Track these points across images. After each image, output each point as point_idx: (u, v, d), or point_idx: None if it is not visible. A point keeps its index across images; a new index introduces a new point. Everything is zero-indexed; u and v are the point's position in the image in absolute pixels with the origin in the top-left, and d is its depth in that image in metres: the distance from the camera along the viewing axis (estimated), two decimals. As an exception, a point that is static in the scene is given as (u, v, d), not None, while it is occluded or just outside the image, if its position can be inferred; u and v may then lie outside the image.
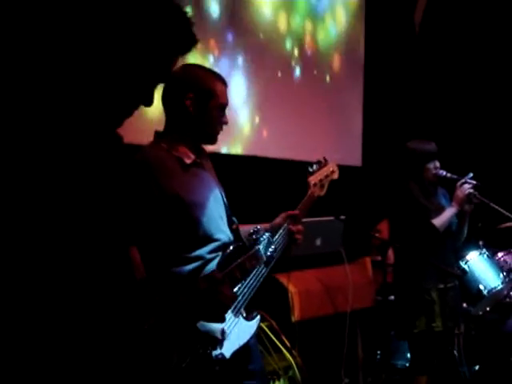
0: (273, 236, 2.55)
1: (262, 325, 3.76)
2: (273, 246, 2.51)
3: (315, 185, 2.77)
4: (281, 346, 3.80)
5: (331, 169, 2.88)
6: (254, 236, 2.46)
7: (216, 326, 2.33)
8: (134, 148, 2.37)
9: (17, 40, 2.22)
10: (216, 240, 2.44)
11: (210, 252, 2.41)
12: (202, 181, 2.49)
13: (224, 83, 2.55)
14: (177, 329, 2.19)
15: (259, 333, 3.77)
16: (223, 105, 2.53)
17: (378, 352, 4.58)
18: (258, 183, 4.67)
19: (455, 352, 4.53)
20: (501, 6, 6.49)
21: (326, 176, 2.84)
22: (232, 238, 2.52)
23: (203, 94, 2.47)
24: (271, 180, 4.75)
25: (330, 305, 4.37)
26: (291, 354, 3.82)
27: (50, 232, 1.46)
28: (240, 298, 2.46)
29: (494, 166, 6.39)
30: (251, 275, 2.50)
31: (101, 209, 1.56)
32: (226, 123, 2.56)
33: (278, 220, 2.69)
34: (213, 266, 2.39)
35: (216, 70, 2.69)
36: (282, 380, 3.72)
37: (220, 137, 2.58)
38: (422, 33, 6.76)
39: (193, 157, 2.48)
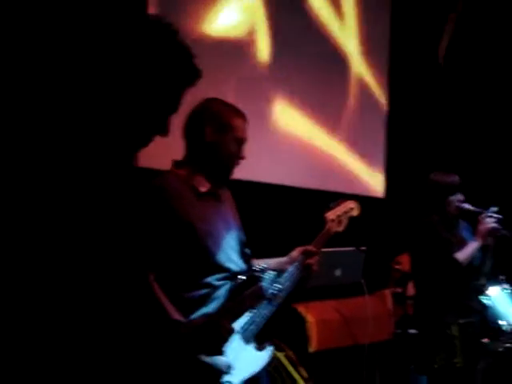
0: (279, 275, 2.58)
1: (279, 354, 3.74)
2: (278, 285, 2.53)
3: (333, 220, 2.80)
4: (297, 377, 3.76)
5: (350, 205, 2.91)
6: (257, 274, 2.50)
7: (221, 359, 2.34)
8: (151, 173, 2.42)
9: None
10: (226, 269, 2.49)
11: (219, 280, 2.45)
12: (215, 210, 2.55)
13: (243, 118, 2.61)
14: (180, 361, 2.25)
15: (277, 363, 3.75)
16: (240, 139, 2.57)
17: (397, 387, 4.52)
18: (279, 213, 4.67)
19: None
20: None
21: (345, 212, 2.86)
22: (243, 268, 2.58)
23: (220, 127, 2.53)
24: (294, 210, 4.73)
25: (348, 336, 4.33)
26: (308, 385, 3.79)
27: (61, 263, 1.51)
28: (252, 326, 2.49)
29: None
30: (264, 303, 2.52)
31: (118, 235, 1.61)
32: (243, 158, 2.61)
33: (294, 254, 2.70)
34: (221, 293, 2.45)
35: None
36: (297, 410, 3.69)
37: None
38: (447, 65, 6.76)
39: (208, 186, 2.53)
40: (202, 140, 2.52)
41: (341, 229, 2.83)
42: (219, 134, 2.53)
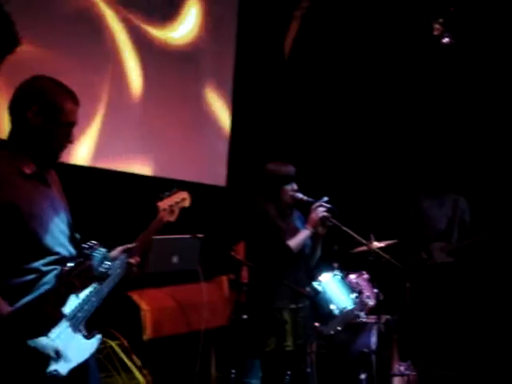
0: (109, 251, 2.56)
1: (112, 343, 3.71)
2: (107, 262, 2.50)
3: (164, 210, 2.80)
4: (131, 365, 3.74)
5: (182, 196, 2.91)
6: (87, 251, 2.44)
7: (47, 343, 2.27)
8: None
9: None
10: (54, 253, 2.41)
11: (46, 265, 2.37)
12: (41, 193, 2.45)
13: (75, 101, 2.51)
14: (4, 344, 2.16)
15: (109, 351, 3.70)
16: (70, 123, 2.48)
17: (233, 371, 4.60)
18: (117, 200, 4.61)
19: (307, 370, 4.65)
20: (367, 34, 6.86)
21: (177, 203, 2.87)
22: (74, 253, 2.50)
23: (48, 108, 2.43)
24: (131, 197, 4.69)
25: (184, 323, 4.35)
26: (141, 373, 3.77)
27: None
28: (80, 314, 2.42)
29: (349, 192, 6.71)
30: (92, 291, 2.47)
31: None
32: (71, 142, 2.53)
33: (113, 253, 2.66)
34: (49, 279, 2.36)
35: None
36: (130, 399, 3.67)
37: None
38: (291, 60, 6.98)
39: (33, 168, 2.43)
40: (26, 120, 2.40)
41: (173, 218, 2.84)
42: (47, 115, 2.41)
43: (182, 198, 2.91)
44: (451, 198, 6.25)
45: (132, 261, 2.64)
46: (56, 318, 2.32)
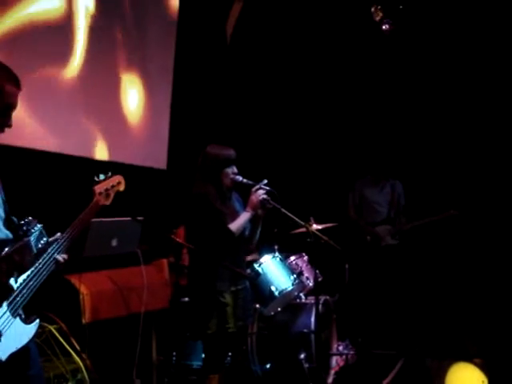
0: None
1: (51, 327, 3.66)
2: (45, 239, 2.48)
3: (100, 194, 2.79)
4: (69, 349, 3.71)
5: (118, 180, 2.92)
6: (24, 227, 2.41)
7: None
8: None
9: None
10: None
11: None
12: None
13: (16, 83, 2.46)
14: None
15: (47, 335, 3.66)
16: (9, 105, 2.44)
17: (174, 353, 4.62)
18: (52, 182, 4.53)
19: (248, 351, 4.71)
20: (307, 20, 6.91)
21: (112, 186, 2.87)
22: (10, 236, 2.46)
23: None
24: (67, 180, 4.61)
25: (123, 306, 4.33)
26: (80, 357, 3.75)
27: None
28: (18, 298, 2.39)
29: (288, 175, 6.79)
30: (30, 274, 2.44)
31: None
32: (9, 126, 2.48)
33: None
34: None
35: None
36: (69, 383, 3.64)
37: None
38: (233, 43, 6.98)
39: None
40: None
41: (108, 202, 2.84)
42: None
43: (118, 182, 2.91)
44: (389, 183, 6.42)
45: (59, 258, 2.57)
46: (3, 289, 2.28)
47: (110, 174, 2.91)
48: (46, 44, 4.68)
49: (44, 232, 2.49)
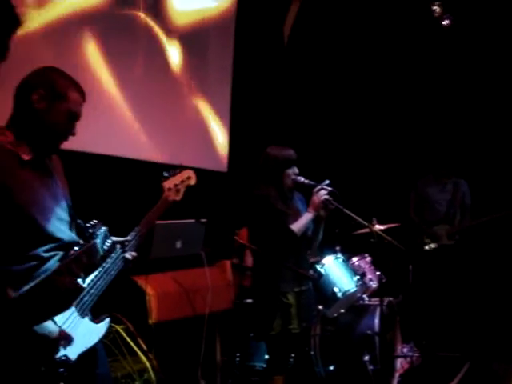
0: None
1: (118, 327, 3.72)
2: (109, 240, 2.50)
3: (170, 189, 2.78)
4: (136, 349, 3.76)
5: (187, 175, 2.89)
6: (90, 230, 2.45)
7: (53, 328, 2.27)
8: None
9: None
10: (55, 240, 2.38)
11: (48, 251, 2.35)
12: (39, 180, 2.41)
13: (81, 94, 2.49)
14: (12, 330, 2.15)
15: (115, 335, 3.73)
16: (73, 113, 2.45)
17: (237, 354, 4.63)
18: (120, 185, 4.62)
19: (311, 352, 4.68)
20: (367, 17, 6.85)
21: (182, 181, 2.84)
22: (76, 239, 2.48)
23: (54, 95, 2.40)
24: (136, 183, 4.70)
25: (188, 307, 4.37)
26: (147, 357, 3.80)
27: None
28: (87, 298, 2.42)
29: (350, 175, 6.73)
30: (98, 274, 2.47)
31: None
32: (73, 135, 2.49)
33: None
34: (51, 264, 2.34)
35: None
36: (136, 383, 3.69)
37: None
38: (291, 45, 6.97)
39: (32, 155, 2.40)
40: (30, 103, 2.37)
41: (178, 198, 2.81)
42: (50, 101, 2.38)
43: (188, 177, 2.89)
44: (452, 181, 6.29)
45: (128, 256, 2.61)
46: (75, 288, 2.31)
47: (179, 168, 2.88)
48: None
49: (108, 234, 2.52)
